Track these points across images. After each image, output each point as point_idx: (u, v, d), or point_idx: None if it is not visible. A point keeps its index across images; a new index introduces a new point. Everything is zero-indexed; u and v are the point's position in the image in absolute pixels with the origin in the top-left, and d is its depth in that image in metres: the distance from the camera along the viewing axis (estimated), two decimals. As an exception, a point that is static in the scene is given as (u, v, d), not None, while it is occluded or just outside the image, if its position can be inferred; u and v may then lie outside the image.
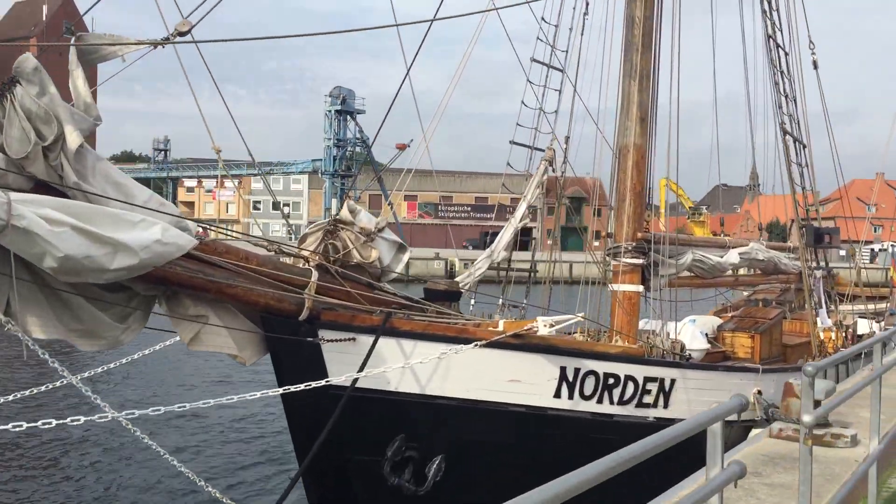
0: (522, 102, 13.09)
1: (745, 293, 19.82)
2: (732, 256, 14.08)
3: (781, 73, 14.18)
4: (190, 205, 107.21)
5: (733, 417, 9.65)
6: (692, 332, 12.64)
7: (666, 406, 8.63)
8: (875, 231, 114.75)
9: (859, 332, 17.61)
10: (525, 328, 7.36)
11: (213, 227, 9.66)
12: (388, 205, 36.26)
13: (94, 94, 5.97)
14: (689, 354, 11.24)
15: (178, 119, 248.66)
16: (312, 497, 7.49)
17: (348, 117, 63.64)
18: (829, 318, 13.77)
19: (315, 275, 7.04)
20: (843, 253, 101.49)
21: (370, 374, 7.01)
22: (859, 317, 17.87)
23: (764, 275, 16.17)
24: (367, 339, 7.07)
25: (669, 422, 9.48)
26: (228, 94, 8.76)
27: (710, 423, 3.02)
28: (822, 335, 13.38)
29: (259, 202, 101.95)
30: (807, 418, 3.57)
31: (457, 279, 9.86)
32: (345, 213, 7.53)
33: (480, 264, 10.29)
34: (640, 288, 11.70)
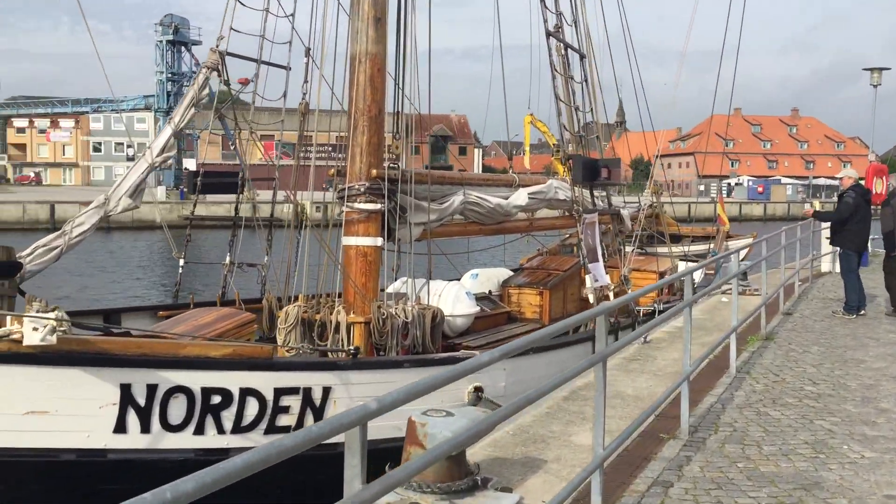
0: (236, -1, 10.00)
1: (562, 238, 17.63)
2: (520, 197, 11.56)
3: None
4: (21, 147, 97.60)
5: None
6: (456, 294, 10.12)
7: None
8: (732, 165, 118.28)
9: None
10: (-1, 336, 4.41)
11: None
12: (231, 146, 32.90)
13: None
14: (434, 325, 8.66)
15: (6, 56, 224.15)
16: None
17: (182, 48, 57.89)
18: (606, 273, 11.52)
19: None
20: (702, 188, 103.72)
21: None
22: (680, 261, 16.00)
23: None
24: None
25: (330, 448, 6.88)
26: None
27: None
28: (591, 297, 11.13)
29: (100, 143, 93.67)
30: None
31: (29, 249, 6.67)
32: None
33: (83, 219, 7.05)
34: (379, 241, 9.01)
